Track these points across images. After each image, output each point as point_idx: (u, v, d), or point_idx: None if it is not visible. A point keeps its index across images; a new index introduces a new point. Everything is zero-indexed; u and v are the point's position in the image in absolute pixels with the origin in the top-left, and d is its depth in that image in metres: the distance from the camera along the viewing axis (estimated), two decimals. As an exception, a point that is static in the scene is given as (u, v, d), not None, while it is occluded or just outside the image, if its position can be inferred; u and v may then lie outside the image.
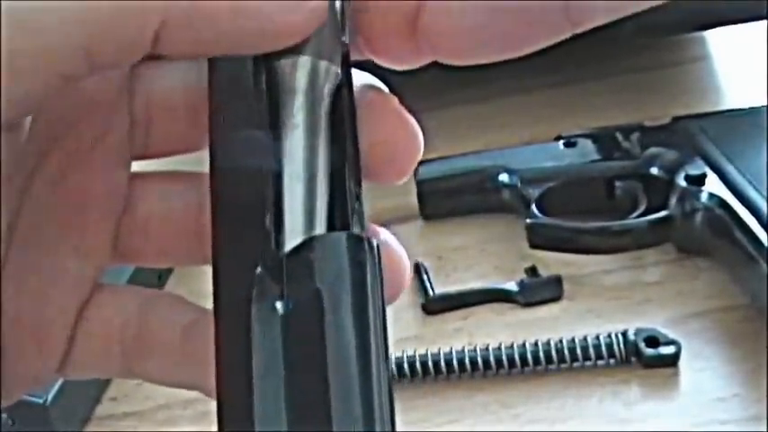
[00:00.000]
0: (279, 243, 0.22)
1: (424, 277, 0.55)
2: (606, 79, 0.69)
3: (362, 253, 0.21)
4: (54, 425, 0.46)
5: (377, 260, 0.22)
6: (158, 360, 0.25)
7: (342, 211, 0.23)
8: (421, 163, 0.59)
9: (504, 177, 0.58)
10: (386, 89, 0.25)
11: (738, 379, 0.47)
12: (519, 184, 0.58)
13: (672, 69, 0.70)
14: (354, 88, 0.24)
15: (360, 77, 0.25)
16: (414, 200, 0.60)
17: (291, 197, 0.23)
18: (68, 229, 0.25)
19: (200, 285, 0.25)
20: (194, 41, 0.22)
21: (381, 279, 0.22)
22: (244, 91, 0.23)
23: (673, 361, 0.48)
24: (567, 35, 0.22)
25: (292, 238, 0.22)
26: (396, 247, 0.24)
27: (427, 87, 0.68)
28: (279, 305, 0.21)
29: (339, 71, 0.24)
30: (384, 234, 0.24)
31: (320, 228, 0.23)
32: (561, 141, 0.60)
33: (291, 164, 0.23)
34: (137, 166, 0.26)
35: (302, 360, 0.20)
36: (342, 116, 0.24)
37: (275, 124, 0.23)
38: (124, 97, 0.25)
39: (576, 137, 0.60)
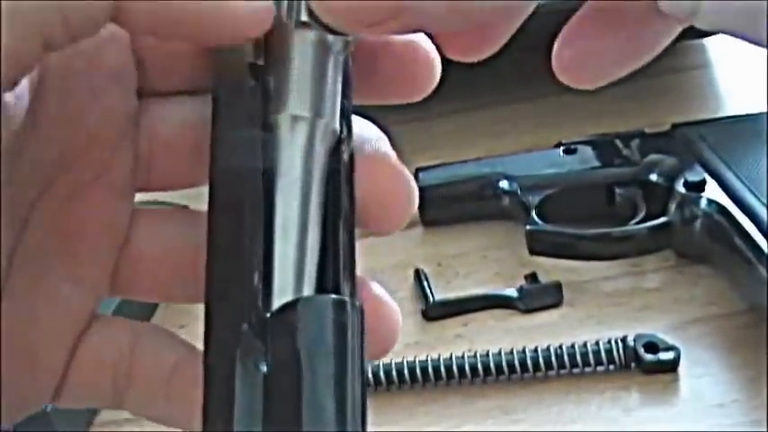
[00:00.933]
0: (267, 301, 0.22)
1: (425, 284, 0.55)
2: (606, 86, 0.69)
3: (345, 317, 0.22)
4: (56, 430, 0.47)
5: (359, 323, 0.22)
6: (145, 395, 0.26)
7: (333, 267, 0.23)
8: (421, 170, 0.60)
9: (504, 184, 0.59)
10: (386, 142, 0.25)
11: (738, 385, 0.47)
12: (519, 191, 0.58)
13: (671, 76, 0.70)
14: (354, 138, 0.24)
15: (360, 127, 0.25)
16: (414, 206, 0.60)
17: (282, 255, 0.23)
18: (68, 258, 0.25)
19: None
20: (151, 15, 0.22)
21: (363, 340, 0.22)
22: (243, 141, 0.24)
23: (672, 367, 0.48)
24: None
25: (281, 297, 0.22)
26: (387, 300, 0.25)
27: (427, 96, 0.68)
28: (263, 364, 0.21)
29: (338, 128, 0.24)
30: (376, 288, 0.25)
31: (308, 287, 0.23)
32: (561, 148, 0.60)
33: (284, 220, 0.23)
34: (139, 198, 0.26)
35: (279, 421, 0.21)
36: (339, 170, 0.24)
37: (272, 178, 0.23)
38: (129, 133, 0.25)
39: (576, 144, 0.60)
